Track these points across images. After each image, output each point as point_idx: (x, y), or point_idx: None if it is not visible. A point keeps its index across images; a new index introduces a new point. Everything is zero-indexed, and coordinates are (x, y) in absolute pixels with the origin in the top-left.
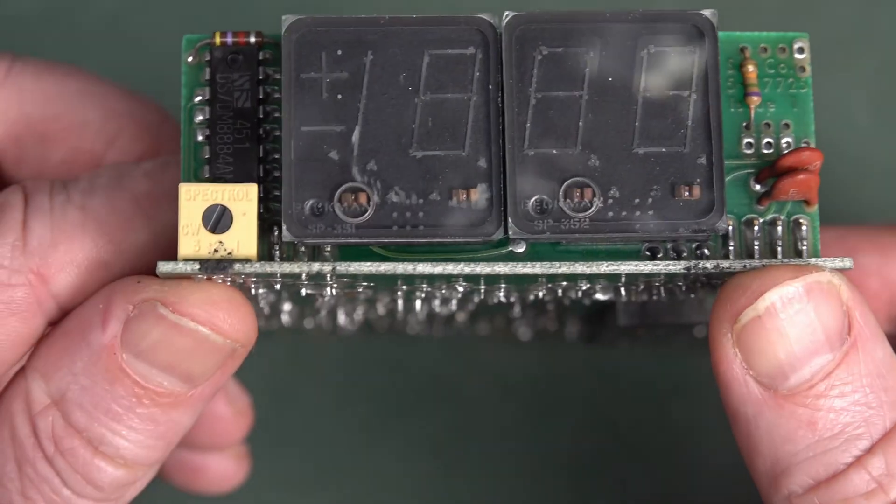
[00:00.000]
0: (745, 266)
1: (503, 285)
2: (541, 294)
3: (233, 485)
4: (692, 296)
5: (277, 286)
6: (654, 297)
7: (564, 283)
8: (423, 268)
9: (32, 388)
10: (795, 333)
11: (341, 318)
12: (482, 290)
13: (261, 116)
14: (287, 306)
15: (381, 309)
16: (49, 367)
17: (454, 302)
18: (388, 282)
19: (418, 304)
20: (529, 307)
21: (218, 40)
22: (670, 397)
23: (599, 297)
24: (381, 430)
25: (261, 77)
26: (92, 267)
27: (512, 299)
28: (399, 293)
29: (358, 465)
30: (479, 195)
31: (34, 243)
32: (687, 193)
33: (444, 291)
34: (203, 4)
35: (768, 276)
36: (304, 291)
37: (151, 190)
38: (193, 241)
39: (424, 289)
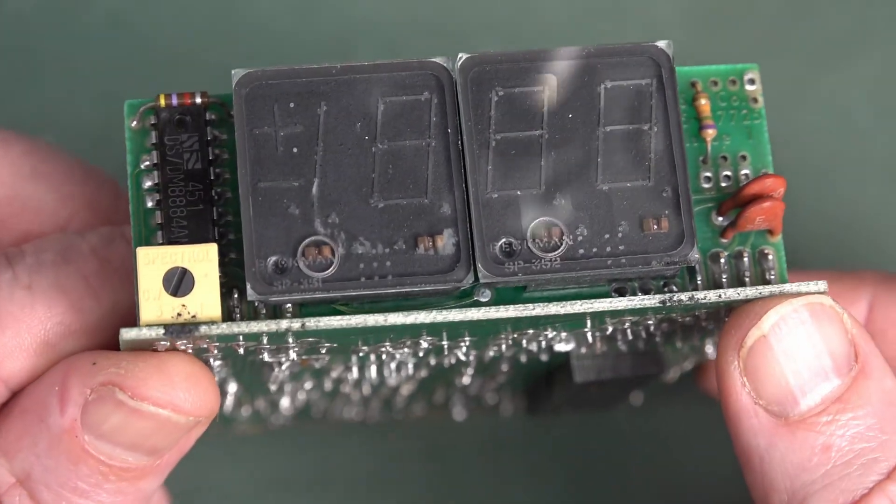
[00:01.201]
0: (719, 296)
1: (467, 338)
2: (503, 348)
3: None
4: (657, 341)
5: (241, 350)
6: (618, 341)
7: (530, 332)
8: (395, 318)
9: None
10: (803, 356)
11: (285, 401)
12: (445, 347)
13: (212, 178)
14: (233, 387)
15: (328, 384)
16: (10, 448)
17: (410, 365)
18: (351, 342)
19: (373, 370)
20: (478, 373)
21: (163, 102)
22: (610, 466)
23: (562, 347)
24: None
25: (209, 138)
26: (40, 350)
27: (470, 357)
28: (356, 357)
29: None
30: (445, 241)
31: None
32: (655, 226)
33: (407, 350)
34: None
35: (771, 300)
36: (265, 356)
37: (100, 268)
38: (155, 305)
39: (386, 347)
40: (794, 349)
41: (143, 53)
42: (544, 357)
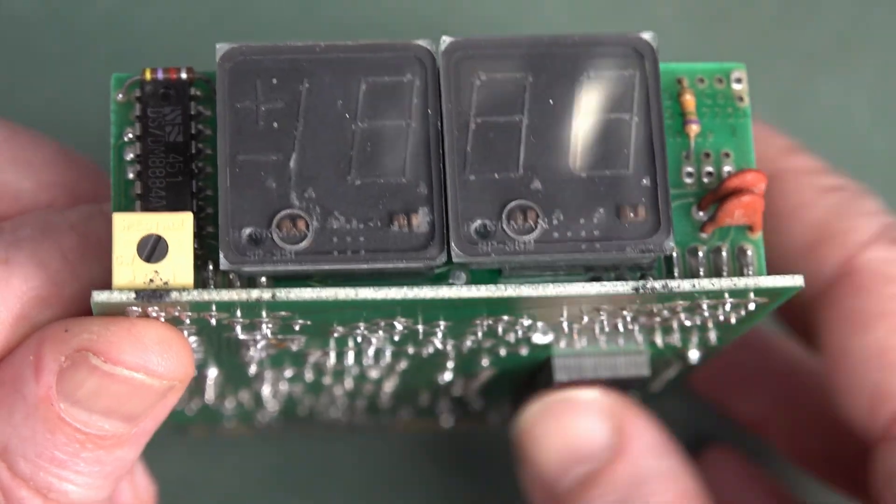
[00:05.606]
0: (693, 285)
1: (442, 323)
2: (479, 335)
3: None
4: (638, 341)
5: (213, 321)
6: (599, 341)
7: (505, 319)
8: (366, 293)
9: None
10: (554, 445)
11: (266, 389)
12: (420, 332)
13: (193, 152)
14: (213, 372)
15: (309, 373)
16: None
17: (388, 353)
18: (325, 320)
19: (351, 356)
20: (459, 371)
21: (148, 76)
22: None
23: (539, 338)
24: None
25: (192, 113)
26: (16, 323)
27: (448, 347)
28: (333, 340)
29: None
30: (420, 219)
31: None
32: (632, 214)
33: (381, 333)
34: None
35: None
36: (238, 330)
37: (78, 243)
38: (128, 270)
39: (361, 330)
40: (545, 441)
41: (143, 53)
42: (524, 350)
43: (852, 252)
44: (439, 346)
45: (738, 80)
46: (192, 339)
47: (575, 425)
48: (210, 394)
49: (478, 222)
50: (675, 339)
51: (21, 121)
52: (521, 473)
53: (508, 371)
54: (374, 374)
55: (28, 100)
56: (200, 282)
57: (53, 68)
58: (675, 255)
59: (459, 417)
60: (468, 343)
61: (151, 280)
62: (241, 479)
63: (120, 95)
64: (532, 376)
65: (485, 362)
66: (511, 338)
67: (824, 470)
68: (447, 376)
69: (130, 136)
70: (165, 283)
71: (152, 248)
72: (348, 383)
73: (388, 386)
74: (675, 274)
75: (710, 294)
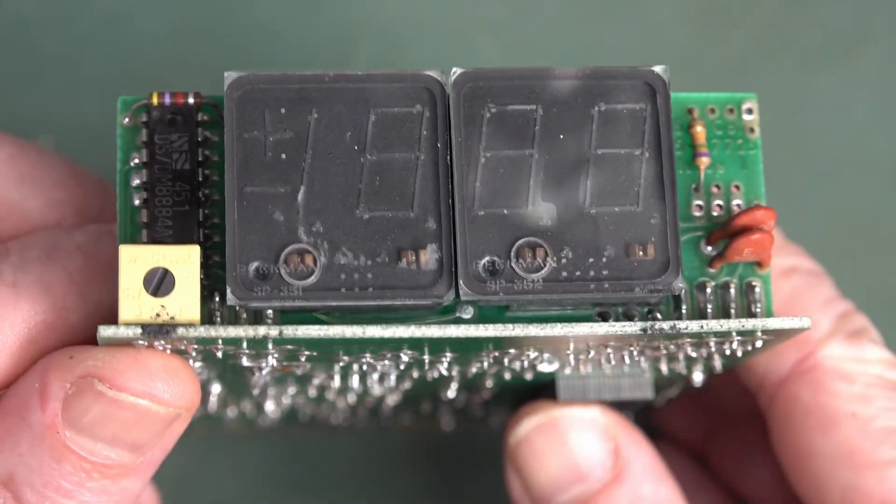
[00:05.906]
0: (701, 326)
1: (448, 354)
2: (485, 365)
3: None
4: (643, 366)
5: (219, 354)
6: (602, 366)
7: (512, 352)
8: (373, 331)
9: None
10: (552, 461)
11: (269, 404)
12: (426, 362)
13: (200, 180)
14: (216, 388)
15: (312, 390)
16: None
17: (393, 377)
18: (331, 351)
19: (355, 380)
20: (463, 387)
21: (155, 101)
22: None
23: (545, 367)
24: None
25: (199, 139)
26: (24, 348)
27: (453, 373)
28: (338, 366)
29: None
30: (428, 256)
31: None
32: (641, 253)
33: (387, 362)
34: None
35: (537, 406)
36: (244, 360)
37: (85, 266)
38: (134, 304)
39: (367, 359)
40: (543, 455)
41: (143, 53)
42: (529, 375)
43: (810, 348)
44: (444, 373)
45: (750, 111)
46: (197, 364)
47: (574, 443)
48: (213, 406)
49: (486, 259)
50: (681, 366)
51: (19, 124)
52: (509, 481)
53: (511, 387)
54: (377, 391)
55: (28, 101)
56: (207, 314)
57: (52, 71)
58: (683, 290)
59: (461, 422)
60: (473, 370)
61: (158, 314)
62: (241, 478)
63: (126, 119)
64: (535, 392)
65: (489, 383)
66: (517, 366)
67: None
68: (451, 394)
69: (137, 161)
70: (172, 318)
71: (159, 282)
72: (351, 398)
73: (391, 400)
74: (683, 310)
75: (717, 333)
